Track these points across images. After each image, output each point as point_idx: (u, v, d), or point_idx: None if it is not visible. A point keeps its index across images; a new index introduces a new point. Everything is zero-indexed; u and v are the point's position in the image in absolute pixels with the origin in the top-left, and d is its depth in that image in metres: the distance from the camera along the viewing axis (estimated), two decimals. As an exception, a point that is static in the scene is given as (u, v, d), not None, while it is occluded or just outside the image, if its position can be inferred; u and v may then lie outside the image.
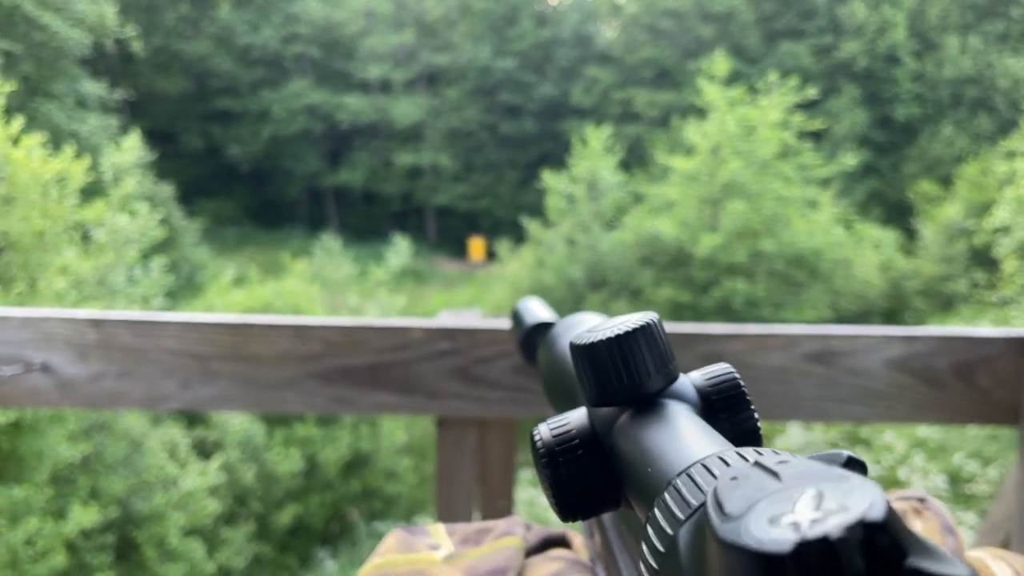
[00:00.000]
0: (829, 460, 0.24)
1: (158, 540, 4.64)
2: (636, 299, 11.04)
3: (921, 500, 0.50)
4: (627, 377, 0.33)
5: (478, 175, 24.52)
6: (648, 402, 0.34)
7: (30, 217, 4.61)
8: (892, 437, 6.40)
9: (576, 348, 0.35)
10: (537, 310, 0.66)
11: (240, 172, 23.97)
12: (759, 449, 0.24)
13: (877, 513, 0.17)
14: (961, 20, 22.02)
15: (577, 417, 0.36)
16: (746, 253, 10.44)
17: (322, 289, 9.32)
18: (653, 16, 23.33)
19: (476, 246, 20.97)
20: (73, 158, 5.19)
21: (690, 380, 0.36)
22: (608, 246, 11.58)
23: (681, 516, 0.22)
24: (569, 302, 11.17)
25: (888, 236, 13.19)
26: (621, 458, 0.33)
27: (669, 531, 0.23)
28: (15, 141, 4.85)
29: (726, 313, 10.43)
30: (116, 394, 1.12)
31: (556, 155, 19.42)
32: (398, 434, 6.82)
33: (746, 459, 0.23)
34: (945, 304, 12.43)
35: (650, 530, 0.24)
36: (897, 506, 0.49)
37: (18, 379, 1.11)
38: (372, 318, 1.17)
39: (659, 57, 22.98)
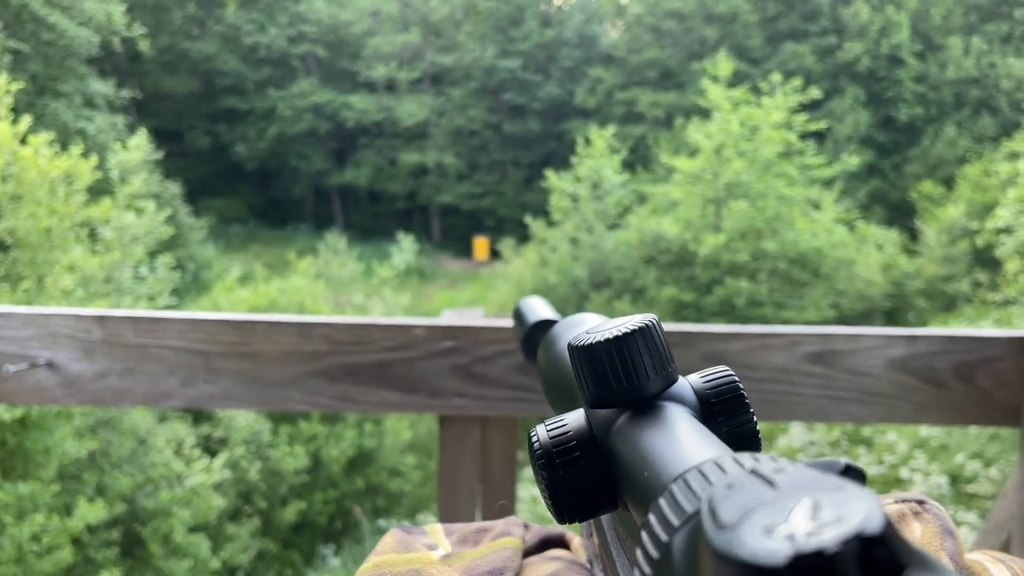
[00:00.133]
0: (826, 468, 0.23)
1: (163, 536, 4.65)
2: (639, 298, 11.04)
3: (920, 502, 0.49)
4: (625, 379, 0.33)
5: (482, 174, 24.53)
6: (646, 404, 0.34)
7: (37, 215, 4.63)
8: (894, 437, 6.39)
9: (574, 349, 0.34)
10: (539, 309, 0.66)
11: (246, 171, 24.01)
12: (756, 455, 0.23)
13: (874, 525, 0.16)
14: (964, 21, 21.94)
15: (575, 419, 0.36)
16: (749, 253, 10.43)
17: (327, 287, 9.34)
18: (657, 17, 23.30)
19: (480, 245, 20.97)
20: (80, 156, 5.21)
21: (689, 383, 0.36)
22: (612, 245, 11.58)
23: (676, 523, 0.22)
24: (573, 301, 11.18)
25: (891, 236, 13.16)
26: (618, 461, 0.33)
27: (664, 537, 0.22)
28: (23, 140, 4.87)
29: (729, 313, 10.42)
30: (120, 391, 1.12)
31: (560, 155, 19.44)
32: (402, 432, 6.83)
33: (742, 465, 0.22)
34: (948, 304, 12.40)
35: (645, 536, 0.23)
36: (896, 508, 0.49)
37: (23, 376, 1.12)
38: (375, 316, 1.17)
39: (663, 58, 22.95)
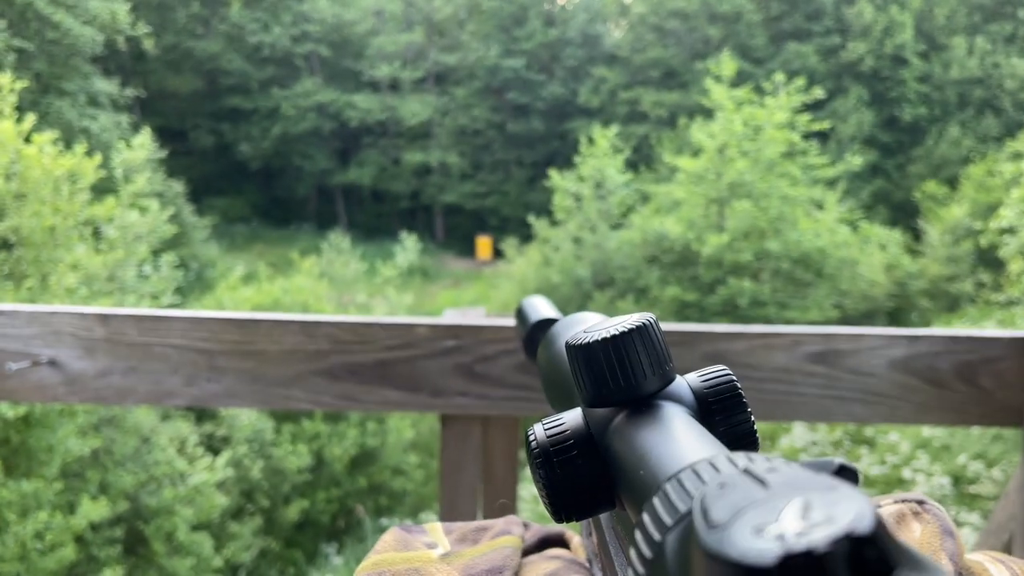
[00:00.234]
0: (820, 468, 0.23)
1: (166, 534, 4.66)
2: (642, 298, 11.04)
3: (920, 503, 0.49)
4: (622, 378, 0.33)
5: (486, 174, 24.54)
6: (644, 404, 0.34)
7: (41, 213, 4.64)
8: (896, 437, 6.38)
9: (571, 348, 0.34)
10: (541, 307, 0.66)
11: (250, 170, 24.05)
12: (750, 455, 0.23)
13: (864, 525, 0.16)
14: (968, 21, 21.89)
15: (572, 417, 0.36)
16: (752, 253, 10.42)
17: (331, 286, 9.34)
18: (660, 16, 23.28)
19: (483, 244, 20.98)
20: (84, 155, 5.22)
21: (686, 382, 0.36)
22: (615, 245, 11.58)
23: (668, 522, 0.22)
24: (576, 301, 11.17)
25: (894, 236, 13.14)
26: (615, 460, 0.33)
27: (656, 536, 0.22)
28: (27, 138, 4.88)
29: (732, 312, 10.42)
30: (122, 390, 1.13)
31: (563, 154, 19.44)
32: (405, 431, 6.83)
33: (736, 465, 0.22)
34: (951, 304, 12.38)
35: (638, 534, 0.23)
36: (896, 508, 0.49)
37: (26, 374, 1.12)
38: (378, 316, 1.17)
39: (666, 57, 22.93)
